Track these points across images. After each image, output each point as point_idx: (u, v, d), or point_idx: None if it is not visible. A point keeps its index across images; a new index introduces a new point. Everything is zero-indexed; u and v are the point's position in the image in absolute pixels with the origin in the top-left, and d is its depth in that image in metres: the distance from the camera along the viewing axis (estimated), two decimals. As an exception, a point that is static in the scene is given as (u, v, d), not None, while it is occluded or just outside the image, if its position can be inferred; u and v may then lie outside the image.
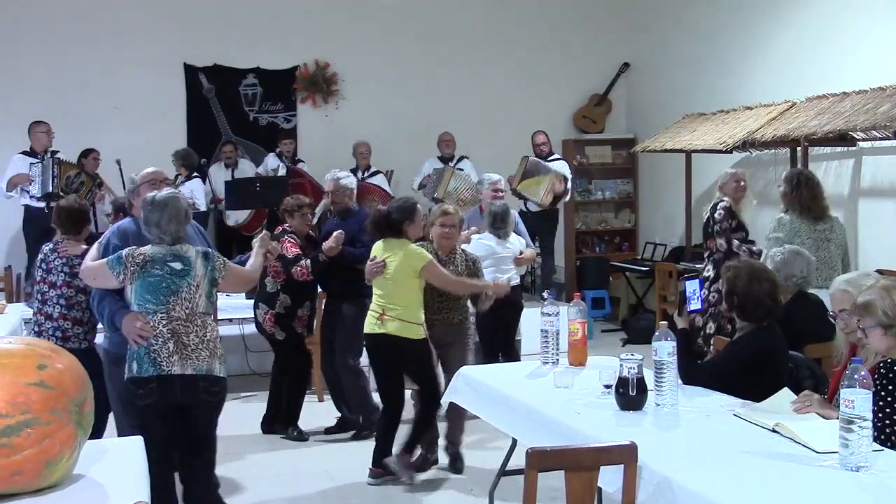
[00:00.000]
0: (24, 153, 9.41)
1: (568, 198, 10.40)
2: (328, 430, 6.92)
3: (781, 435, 3.44)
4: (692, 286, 4.49)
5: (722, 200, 7.15)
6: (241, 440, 6.66)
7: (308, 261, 6.49)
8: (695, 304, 4.46)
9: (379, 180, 10.46)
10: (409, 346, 5.63)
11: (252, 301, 6.97)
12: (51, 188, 9.15)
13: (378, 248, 5.76)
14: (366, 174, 10.39)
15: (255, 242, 5.11)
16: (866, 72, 8.13)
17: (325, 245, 6.42)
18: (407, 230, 5.73)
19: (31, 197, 9.27)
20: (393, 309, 5.60)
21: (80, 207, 5.88)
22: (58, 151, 9.46)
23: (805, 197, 6.47)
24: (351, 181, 6.88)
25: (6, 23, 10.46)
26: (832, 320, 4.11)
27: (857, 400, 2.96)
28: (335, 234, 6.41)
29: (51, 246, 5.73)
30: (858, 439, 2.98)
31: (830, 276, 5.92)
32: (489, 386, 4.62)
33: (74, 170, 9.42)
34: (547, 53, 12.08)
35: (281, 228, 6.78)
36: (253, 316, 6.93)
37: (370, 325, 5.71)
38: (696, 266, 8.41)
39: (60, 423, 2.57)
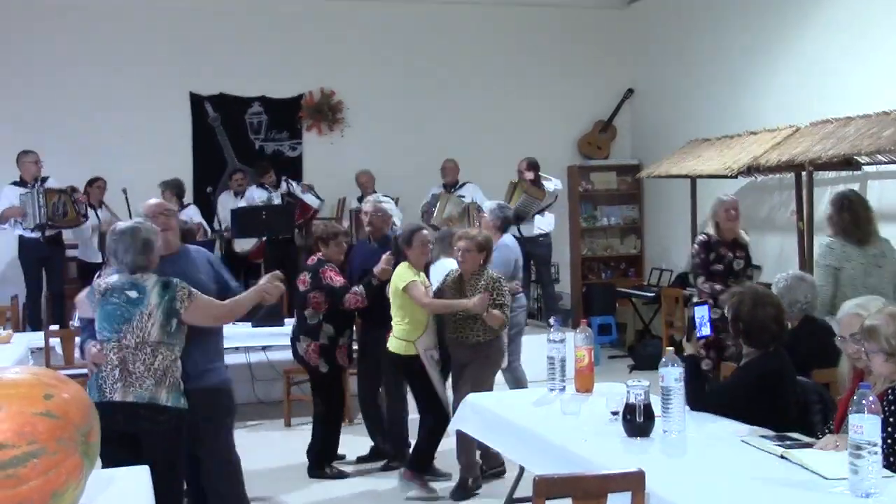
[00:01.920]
0: (15, 183, 9.40)
1: (554, 187, 10.18)
2: (360, 459, 6.84)
3: (790, 461, 3.42)
4: (701, 312, 4.47)
5: (701, 234, 7.16)
6: (248, 473, 6.59)
7: (361, 287, 6.31)
8: (704, 330, 4.45)
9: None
10: (401, 363, 6.07)
11: (287, 333, 6.85)
12: (39, 220, 9.14)
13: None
14: None
15: (263, 280, 4.84)
16: (870, 96, 8.14)
17: (377, 269, 6.29)
18: (407, 254, 6.10)
19: (24, 229, 9.28)
20: (396, 327, 6.04)
21: None
22: (47, 178, 9.44)
23: (847, 220, 6.25)
24: (391, 206, 6.91)
25: (13, 53, 10.54)
26: (839, 344, 4.09)
27: (867, 425, 2.95)
28: (385, 256, 6.31)
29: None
30: (868, 465, 2.96)
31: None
32: (496, 413, 4.61)
33: (56, 195, 9.30)
34: (551, 80, 12.13)
35: (316, 258, 6.55)
36: (291, 348, 6.69)
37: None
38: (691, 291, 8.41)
39: (66, 452, 2.56)
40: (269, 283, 4.76)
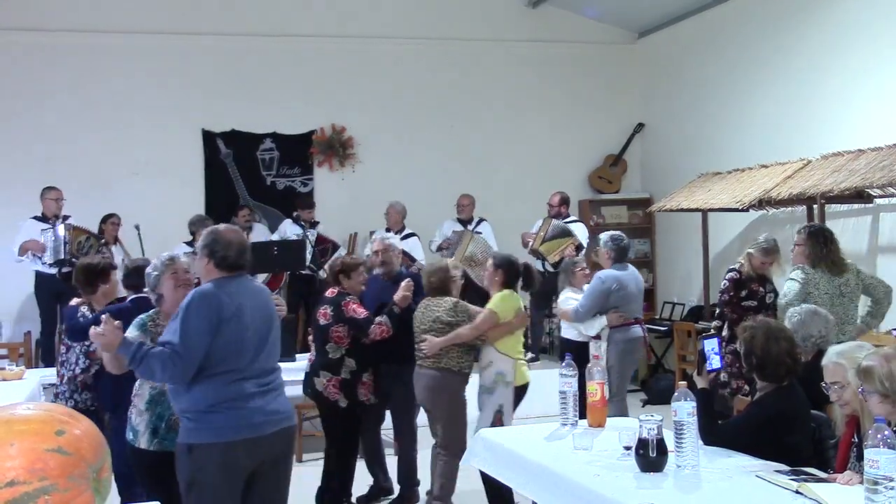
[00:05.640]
0: (36, 218, 9.49)
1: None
2: (361, 500, 6.74)
3: (805, 497, 3.39)
4: (710, 345, 4.45)
5: (731, 269, 7.18)
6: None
7: (385, 317, 6.24)
8: (714, 363, 4.43)
9: (412, 244, 10.31)
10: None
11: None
12: (63, 255, 9.20)
13: (519, 301, 6.24)
14: (400, 236, 10.20)
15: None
16: (881, 129, 8.15)
17: (398, 296, 6.26)
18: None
19: (43, 264, 9.32)
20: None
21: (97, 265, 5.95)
22: (69, 216, 9.52)
23: (825, 253, 6.42)
24: (398, 242, 6.94)
25: (29, 89, 10.63)
26: (825, 391, 4.02)
27: (882, 460, 2.92)
28: (404, 282, 6.29)
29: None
30: (885, 500, 2.93)
31: (845, 331, 6.12)
32: (508, 448, 4.58)
33: (84, 234, 9.43)
34: (561, 115, 12.18)
35: (336, 291, 6.44)
36: (305, 384, 6.55)
37: (525, 375, 6.22)
38: (709, 325, 8.39)
39: (78, 489, 2.55)
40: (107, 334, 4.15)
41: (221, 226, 4.49)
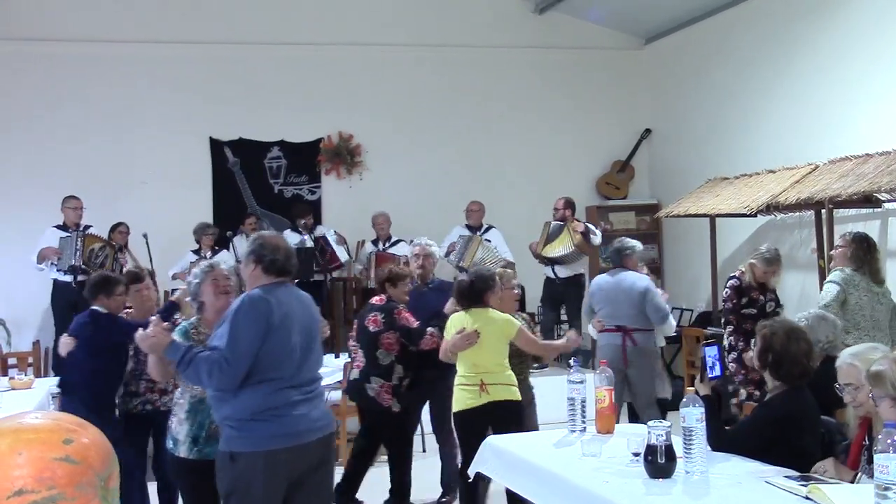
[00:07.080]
0: (57, 227, 9.57)
1: (599, 240, 10.19)
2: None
3: (815, 502, 3.37)
4: (711, 352, 4.44)
5: (732, 276, 7.29)
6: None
7: (437, 329, 6.28)
8: (715, 370, 4.42)
9: (401, 249, 10.43)
10: (517, 408, 5.72)
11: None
12: (73, 261, 9.23)
13: (463, 320, 5.79)
14: (387, 244, 10.42)
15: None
16: (889, 133, 8.12)
17: (448, 308, 6.29)
18: (489, 299, 5.85)
19: (57, 270, 9.37)
20: (492, 375, 5.67)
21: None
22: (90, 226, 9.56)
23: (868, 258, 6.64)
24: (438, 251, 7.03)
25: (37, 98, 10.69)
26: (839, 393, 4.01)
27: (892, 465, 2.90)
28: (452, 299, 6.35)
29: None
30: (895, 506, 2.92)
31: (879, 337, 6.26)
32: (516, 455, 4.58)
33: (99, 243, 9.47)
34: (569, 121, 12.17)
35: (384, 299, 6.50)
36: (353, 390, 6.63)
37: (468, 400, 5.67)
38: (720, 331, 8.39)
39: (86, 497, 2.54)
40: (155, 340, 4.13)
41: (266, 232, 4.54)
